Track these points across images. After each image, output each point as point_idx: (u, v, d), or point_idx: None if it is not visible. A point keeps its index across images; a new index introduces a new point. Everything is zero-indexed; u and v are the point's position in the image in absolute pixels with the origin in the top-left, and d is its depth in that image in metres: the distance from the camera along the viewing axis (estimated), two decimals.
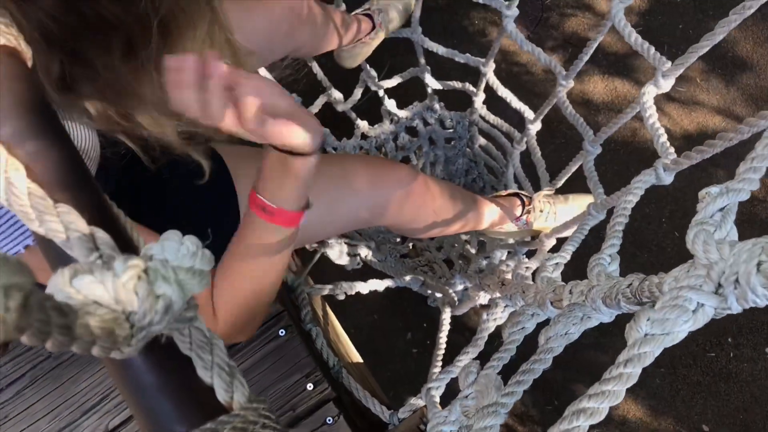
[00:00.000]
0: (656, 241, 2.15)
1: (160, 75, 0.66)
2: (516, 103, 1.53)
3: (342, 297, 1.31)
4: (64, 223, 0.37)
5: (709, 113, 2.17)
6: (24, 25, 0.55)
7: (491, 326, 1.04)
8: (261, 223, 0.79)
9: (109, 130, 0.75)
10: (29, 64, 0.43)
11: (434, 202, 1.28)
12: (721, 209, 0.55)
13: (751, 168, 0.56)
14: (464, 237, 1.74)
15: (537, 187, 1.58)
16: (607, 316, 0.71)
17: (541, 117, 1.47)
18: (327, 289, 1.28)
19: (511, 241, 1.55)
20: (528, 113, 1.52)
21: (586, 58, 1.20)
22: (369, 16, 1.73)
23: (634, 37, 1.03)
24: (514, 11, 1.27)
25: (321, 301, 1.45)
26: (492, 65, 1.51)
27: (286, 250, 0.83)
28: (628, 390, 0.51)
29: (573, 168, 1.40)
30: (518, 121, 1.60)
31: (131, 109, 0.70)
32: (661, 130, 0.95)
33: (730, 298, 0.48)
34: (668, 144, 0.93)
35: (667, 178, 0.92)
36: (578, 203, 1.56)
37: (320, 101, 1.74)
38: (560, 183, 1.49)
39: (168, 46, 0.66)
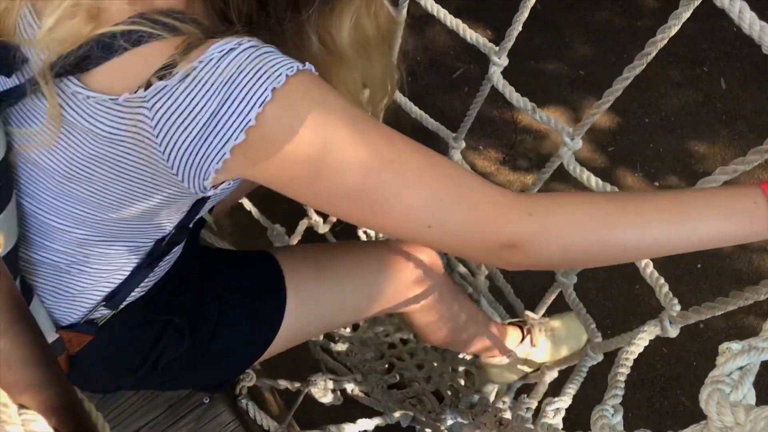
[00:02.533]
0: (645, 359, 2.11)
1: (318, 38, 0.77)
2: None
3: None
4: None
5: None
6: None
7: None
8: (748, 203, 0.68)
9: None
10: None
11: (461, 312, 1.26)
12: (741, 368, 0.51)
13: None
14: (452, 366, 1.68)
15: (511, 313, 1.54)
16: None
17: None
18: None
19: (513, 377, 1.48)
20: None
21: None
22: None
23: (594, 181, 1.00)
24: (461, 144, 1.26)
25: None
26: None
27: (707, 242, 0.70)
28: None
29: (552, 296, 1.32)
30: None
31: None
32: (662, 280, 0.89)
33: None
34: (671, 295, 0.87)
35: (673, 332, 0.86)
36: (573, 327, 1.50)
37: (301, 227, 1.77)
38: (541, 312, 1.42)
39: (328, 9, 0.76)
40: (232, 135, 0.65)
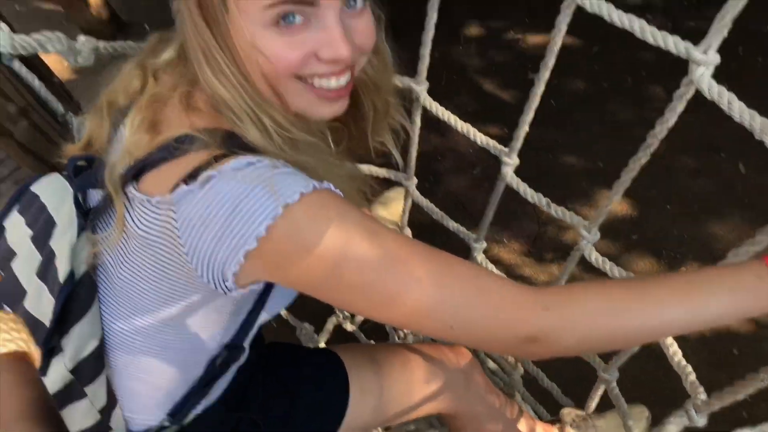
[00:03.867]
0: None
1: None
2: None
3: None
4: None
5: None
6: None
7: None
8: (752, 278, 0.70)
9: None
10: (37, 364, 0.43)
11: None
12: None
13: None
14: None
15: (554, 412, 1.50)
16: None
17: None
18: None
19: None
20: None
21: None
22: None
23: (617, 270, 1.01)
24: (482, 244, 1.30)
25: None
26: None
27: (709, 320, 0.72)
28: None
29: (597, 393, 1.32)
30: None
31: None
32: (689, 368, 0.90)
33: None
34: (698, 383, 0.88)
35: (700, 420, 0.86)
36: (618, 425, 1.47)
37: (330, 325, 1.81)
38: (590, 409, 1.39)
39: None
40: (244, 243, 0.70)
